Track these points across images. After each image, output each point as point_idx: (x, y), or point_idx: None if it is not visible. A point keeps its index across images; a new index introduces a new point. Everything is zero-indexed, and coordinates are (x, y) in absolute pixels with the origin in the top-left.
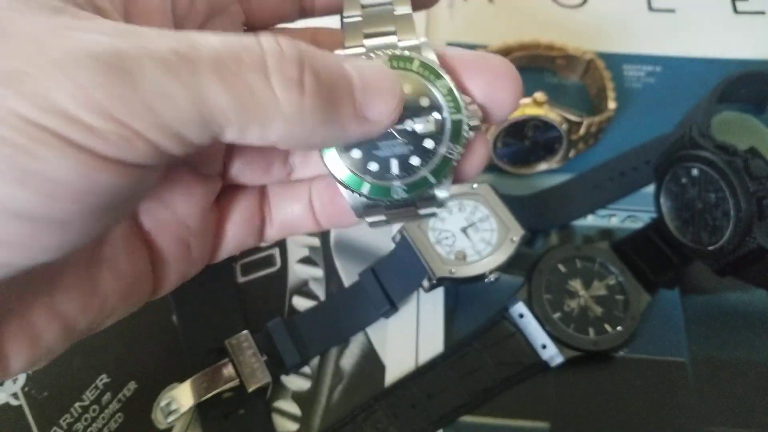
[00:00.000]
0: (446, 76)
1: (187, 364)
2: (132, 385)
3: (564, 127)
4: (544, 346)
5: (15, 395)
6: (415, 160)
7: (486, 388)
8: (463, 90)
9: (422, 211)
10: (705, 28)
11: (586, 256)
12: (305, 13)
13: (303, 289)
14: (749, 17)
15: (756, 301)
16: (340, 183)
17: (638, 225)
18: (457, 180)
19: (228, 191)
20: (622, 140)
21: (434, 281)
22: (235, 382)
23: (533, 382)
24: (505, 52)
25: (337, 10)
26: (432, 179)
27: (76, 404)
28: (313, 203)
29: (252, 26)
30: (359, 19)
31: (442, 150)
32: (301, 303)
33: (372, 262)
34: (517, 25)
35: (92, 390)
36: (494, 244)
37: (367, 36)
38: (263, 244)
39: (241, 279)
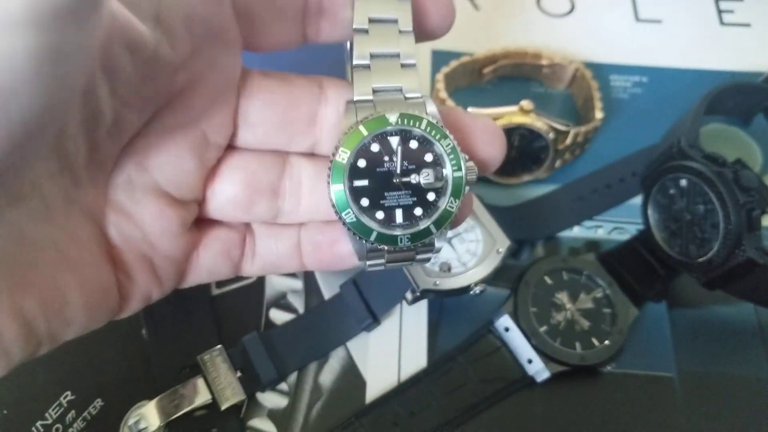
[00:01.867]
0: (450, 137)
1: (158, 380)
2: (98, 403)
3: (551, 136)
4: (530, 361)
5: None
6: (418, 211)
7: (470, 405)
8: (466, 148)
9: (419, 257)
10: (691, 40)
11: (572, 268)
12: (308, 41)
13: (281, 302)
14: (735, 29)
15: (743, 314)
16: (350, 229)
17: (625, 237)
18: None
19: (210, 220)
20: (608, 150)
21: (418, 293)
22: (207, 400)
23: (519, 398)
24: (492, 60)
25: (340, 41)
26: (434, 230)
27: (39, 423)
28: (302, 246)
29: (252, 50)
30: (368, 63)
31: (443, 203)
32: (278, 316)
33: (353, 273)
34: (503, 33)
35: (56, 408)
36: (480, 256)
37: (375, 91)
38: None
39: (215, 291)
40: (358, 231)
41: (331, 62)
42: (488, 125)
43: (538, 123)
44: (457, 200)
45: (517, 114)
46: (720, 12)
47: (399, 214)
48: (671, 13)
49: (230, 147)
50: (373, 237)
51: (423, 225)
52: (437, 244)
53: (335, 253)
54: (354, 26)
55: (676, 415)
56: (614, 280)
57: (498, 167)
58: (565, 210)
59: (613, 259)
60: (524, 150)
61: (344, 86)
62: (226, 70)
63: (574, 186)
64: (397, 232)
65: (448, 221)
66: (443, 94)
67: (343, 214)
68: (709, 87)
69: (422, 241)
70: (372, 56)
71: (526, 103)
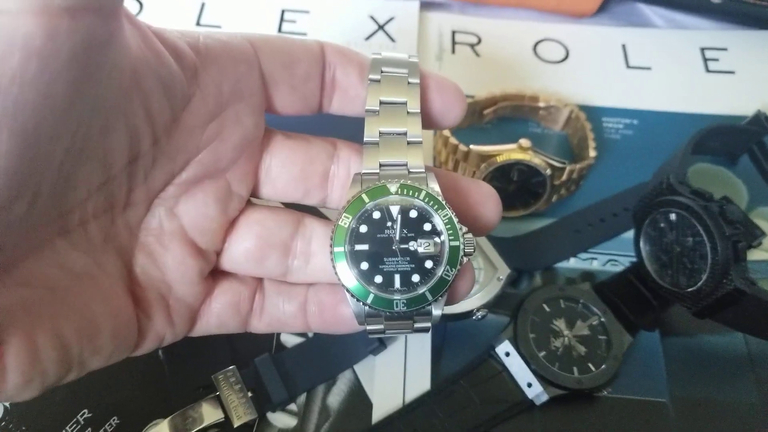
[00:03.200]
0: (448, 207)
1: (172, 399)
2: (114, 421)
3: (548, 171)
4: (529, 385)
5: None
6: (415, 278)
7: (472, 427)
8: (465, 210)
9: (417, 325)
10: (679, 85)
11: (569, 296)
12: (323, 111)
13: None
14: (720, 76)
15: (733, 343)
16: (348, 291)
17: (618, 269)
18: (448, 301)
19: (224, 273)
20: (601, 187)
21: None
22: (220, 418)
23: (519, 421)
24: (491, 102)
25: (352, 114)
26: (430, 297)
27: None
28: (307, 307)
29: (273, 113)
30: (377, 140)
31: (440, 271)
32: (289, 339)
33: None
34: (502, 77)
35: (73, 425)
36: (481, 282)
37: (382, 165)
38: None
39: None
40: (357, 294)
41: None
42: (485, 189)
43: (536, 159)
44: (453, 269)
45: (516, 151)
46: (706, 60)
47: (397, 280)
48: (660, 60)
49: (249, 204)
50: (370, 299)
51: (420, 291)
52: (434, 312)
53: (338, 315)
54: (366, 107)
55: None
56: (609, 309)
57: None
58: (562, 242)
59: (607, 289)
60: (523, 185)
61: (355, 148)
62: (250, 128)
63: (571, 219)
64: (395, 296)
65: (444, 289)
66: (447, 132)
67: (342, 278)
68: (696, 129)
69: (418, 308)
70: (381, 134)
71: (524, 141)
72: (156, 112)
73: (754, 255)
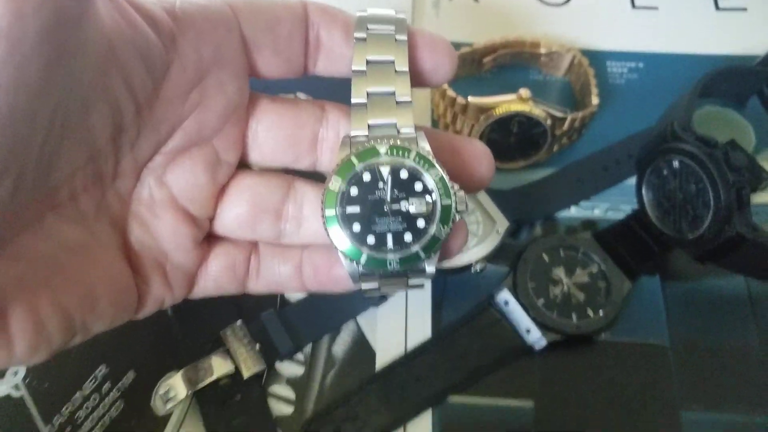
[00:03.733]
0: (438, 166)
1: (184, 353)
2: (131, 375)
3: (548, 122)
4: (528, 331)
5: (16, 387)
6: (408, 237)
7: (473, 371)
8: (457, 168)
9: (412, 282)
10: (687, 25)
11: (569, 245)
12: (308, 73)
13: None
14: (731, 14)
15: (734, 286)
16: (341, 253)
17: (620, 216)
18: (442, 257)
19: (218, 237)
20: (605, 135)
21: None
22: (230, 370)
23: (518, 365)
24: (491, 50)
25: (338, 75)
26: (422, 255)
27: (77, 393)
28: (303, 269)
29: (257, 77)
30: (364, 102)
31: (432, 230)
32: (293, 294)
33: None
34: (502, 23)
35: (92, 380)
36: (480, 236)
37: (371, 126)
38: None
39: None
40: (350, 255)
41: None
42: (479, 148)
43: (536, 110)
44: (445, 226)
45: (515, 102)
46: None
47: (390, 240)
48: None
49: (240, 169)
50: (363, 260)
51: (413, 250)
52: (428, 269)
53: (332, 276)
54: (353, 68)
55: (668, 380)
56: (609, 257)
57: (491, 173)
58: (563, 192)
59: (608, 236)
60: (523, 136)
61: (344, 110)
62: (234, 94)
63: (572, 168)
64: (388, 256)
65: (436, 247)
66: (444, 84)
67: (335, 240)
68: (705, 71)
69: (411, 265)
70: (369, 95)
71: (524, 92)
72: (136, 84)
73: (760, 198)
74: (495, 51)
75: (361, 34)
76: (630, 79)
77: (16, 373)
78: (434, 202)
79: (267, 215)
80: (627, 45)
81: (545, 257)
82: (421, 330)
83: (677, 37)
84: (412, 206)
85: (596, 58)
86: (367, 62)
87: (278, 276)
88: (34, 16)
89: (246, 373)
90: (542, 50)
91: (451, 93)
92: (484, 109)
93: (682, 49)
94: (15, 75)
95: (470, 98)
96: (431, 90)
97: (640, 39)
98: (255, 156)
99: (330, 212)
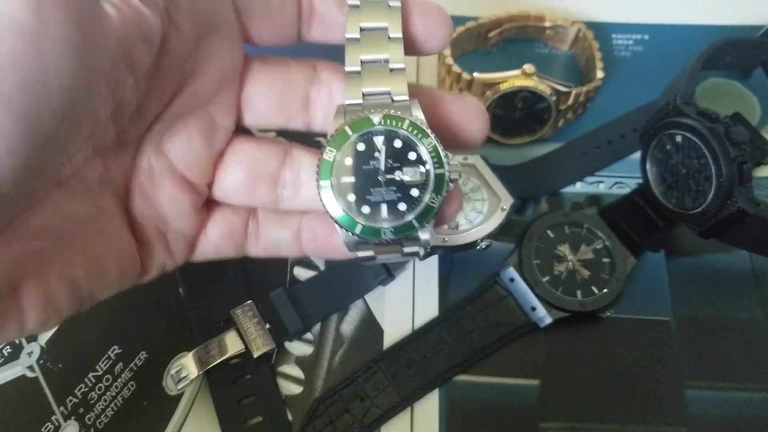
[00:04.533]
0: (432, 135)
1: (195, 333)
2: (143, 355)
3: (552, 97)
4: (533, 308)
5: (31, 368)
6: (402, 206)
7: (479, 349)
8: (447, 127)
9: (407, 250)
10: None
11: (573, 222)
12: (302, 39)
13: (304, 260)
14: None
15: (737, 261)
16: (336, 222)
17: (625, 191)
18: (436, 224)
19: (218, 202)
20: (610, 109)
21: (428, 249)
22: (241, 349)
23: (524, 342)
24: (496, 24)
25: (332, 42)
26: (416, 224)
27: (90, 374)
28: (301, 234)
29: (251, 44)
30: (358, 70)
31: (426, 198)
32: (302, 273)
33: None
34: None
35: (105, 360)
36: (485, 213)
37: (365, 95)
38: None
39: None
40: (345, 224)
41: None
42: (471, 104)
43: (540, 85)
44: (438, 196)
45: (519, 77)
46: None
47: (384, 209)
48: None
49: (238, 135)
50: (358, 230)
51: (407, 219)
52: (422, 237)
53: (330, 243)
54: (346, 35)
55: (672, 355)
56: (614, 233)
57: (488, 137)
58: (568, 167)
59: (613, 212)
60: (527, 111)
61: (336, 69)
62: (228, 60)
63: (577, 143)
64: (383, 225)
65: (430, 215)
66: (449, 60)
67: (330, 210)
68: (710, 42)
69: (405, 234)
70: (363, 63)
71: (528, 67)
72: (136, 60)
73: (764, 171)
74: (500, 25)
75: (355, 1)
76: (635, 52)
77: (30, 354)
78: (428, 171)
79: (264, 181)
80: (632, 17)
81: (550, 234)
82: (428, 307)
83: (683, 7)
84: (406, 176)
85: (601, 30)
86: (361, 30)
87: (277, 240)
88: (55, 12)
89: (256, 353)
90: (547, 23)
91: (456, 68)
92: (489, 85)
93: (687, 20)
94: (39, 73)
95: (475, 74)
96: (438, 65)
97: (646, 10)
98: (250, 118)
99: (325, 183)
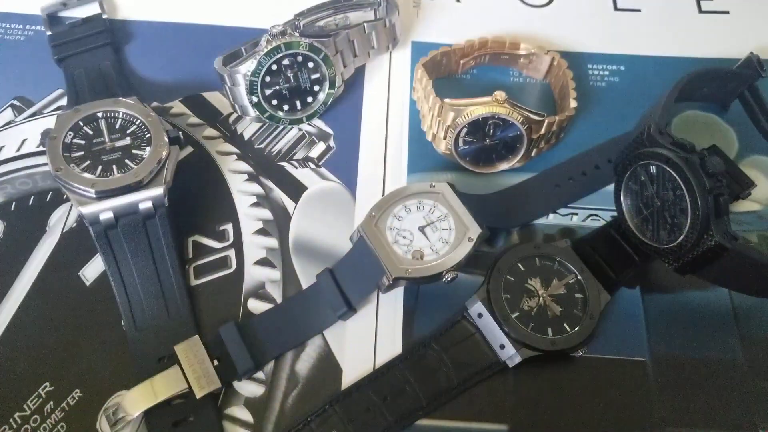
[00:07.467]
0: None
1: (135, 370)
2: (76, 393)
3: (525, 126)
4: (502, 347)
5: None
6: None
7: (444, 390)
8: None
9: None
10: (670, 28)
11: (545, 254)
12: None
13: (259, 292)
14: (714, 16)
15: (717, 299)
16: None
17: (599, 224)
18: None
19: None
20: (584, 139)
21: (390, 281)
22: (183, 389)
23: (492, 383)
24: (470, 50)
25: None
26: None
27: (16, 414)
28: None
29: None
30: None
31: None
32: (257, 306)
33: (331, 263)
34: (484, 24)
35: (34, 399)
36: (452, 243)
37: None
38: (218, 246)
39: (194, 281)
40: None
41: None
42: None
43: (512, 113)
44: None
45: (491, 104)
46: (698, 0)
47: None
48: (650, 1)
49: None
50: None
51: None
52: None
53: None
54: None
55: (649, 398)
56: (587, 267)
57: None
58: (541, 198)
59: (587, 245)
60: (499, 139)
61: None
62: None
63: (550, 173)
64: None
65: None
66: (429, 86)
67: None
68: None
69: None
70: None
71: (499, 93)
72: None
73: (743, 206)
74: (474, 51)
75: None
76: (611, 82)
77: None
78: None
79: None
80: (609, 47)
81: (520, 267)
82: (392, 344)
83: (660, 39)
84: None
85: (577, 60)
86: None
87: None
88: None
89: (199, 393)
90: (522, 51)
91: (430, 90)
92: (459, 110)
93: (664, 52)
94: None
95: (446, 100)
96: (415, 91)
97: (623, 41)
98: None
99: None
